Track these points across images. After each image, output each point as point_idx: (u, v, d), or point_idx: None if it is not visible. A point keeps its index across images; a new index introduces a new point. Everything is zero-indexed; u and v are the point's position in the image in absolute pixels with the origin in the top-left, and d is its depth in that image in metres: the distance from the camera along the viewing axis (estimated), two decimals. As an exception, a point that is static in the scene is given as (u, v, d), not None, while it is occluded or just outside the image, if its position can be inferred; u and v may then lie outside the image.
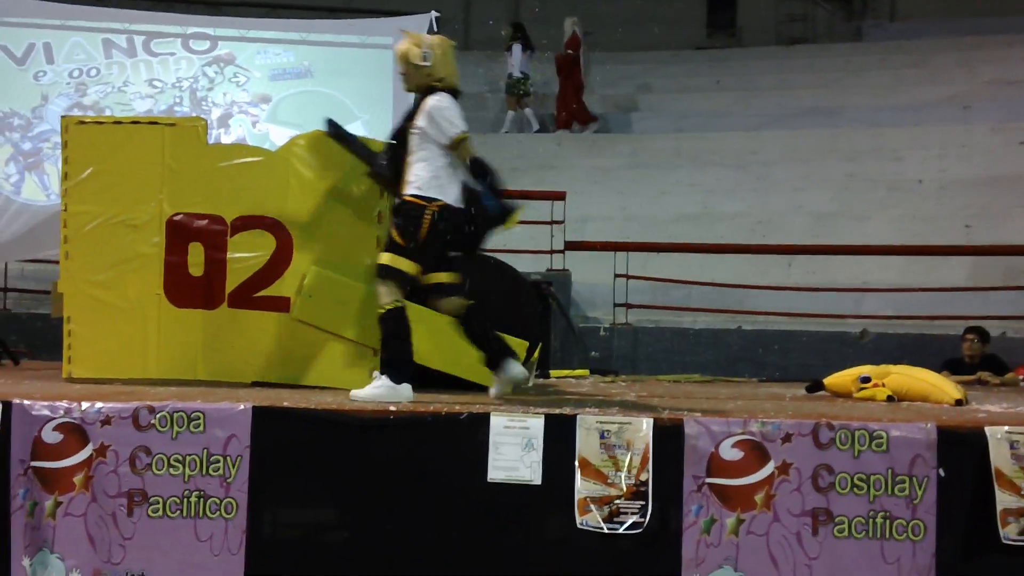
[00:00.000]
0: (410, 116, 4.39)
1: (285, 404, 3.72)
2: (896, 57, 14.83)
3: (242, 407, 3.60)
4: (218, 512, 3.53)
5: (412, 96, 6.60)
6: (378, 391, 4.05)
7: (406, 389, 4.12)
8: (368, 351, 4.66)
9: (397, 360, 4.21)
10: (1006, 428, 3.53)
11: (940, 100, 13.48)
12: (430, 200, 4.24)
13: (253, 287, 4.61)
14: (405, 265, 4.22)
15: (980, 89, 13.62)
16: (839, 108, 13.43)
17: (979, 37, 14.98)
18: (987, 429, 3.53)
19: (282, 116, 6.60)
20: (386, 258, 4.24)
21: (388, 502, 3.58)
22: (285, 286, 4.62)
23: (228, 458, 3.55)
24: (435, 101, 4.30)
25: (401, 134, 4.43)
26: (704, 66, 15.57)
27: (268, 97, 6.52)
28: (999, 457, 3.50)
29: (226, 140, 6.42)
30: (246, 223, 4.71)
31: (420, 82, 4.37)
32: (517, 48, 13.62)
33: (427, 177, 4.28)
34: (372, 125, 6.49)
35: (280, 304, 4.63)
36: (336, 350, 4.61)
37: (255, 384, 4.52)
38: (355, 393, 4.05)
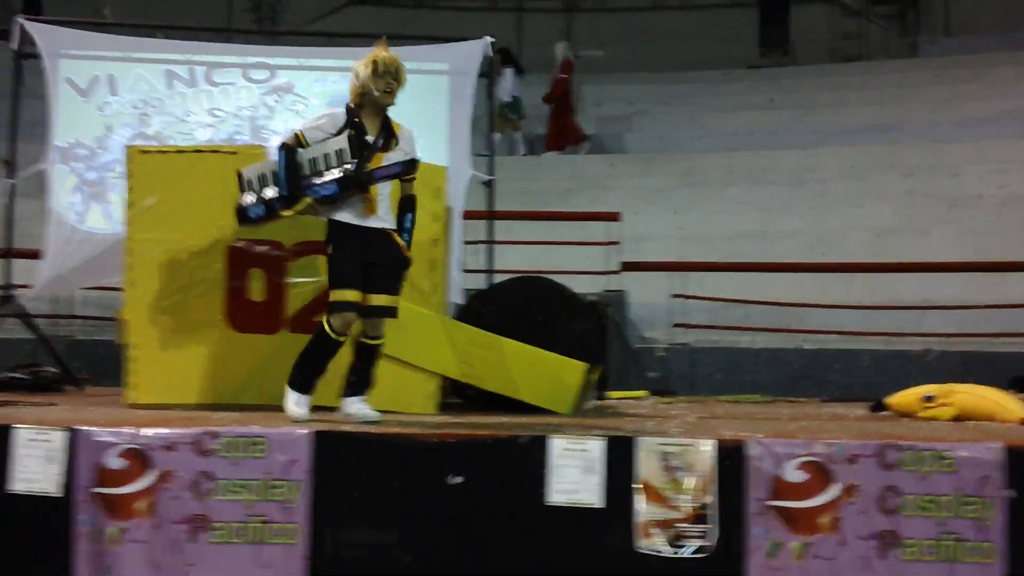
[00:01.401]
0: (383, 140, 4.18)
1: (345, 428, 3.74)
2: (952, 72, 14.62)
3: (304, 431, 3.63)
4: (280, 538, 3.54)
5: (464, 117, 6.63)
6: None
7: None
8: (426, 375, 4.67)
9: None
10: (1079, 448, 3.43)
11: (998, 114, 13.24)
12: None
13: (313, 311, 4.64)
14: None
15: (1039, 102, 13.37)
16: (896, 124, 13.26)
17: (1036, 49, 14.72)
18: (1059, 449, 3.44)
19: (341, 143, 6.67)
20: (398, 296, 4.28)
21: (449, 526, 3.58)
22: (344, 311, 4.64)
23: (290, 483, 3.57)
24: (411, 130, 4.30)
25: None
26: (757, 84, 15.49)
27: (326, 125, 6.59)
28: (1071, 477, 3.41)
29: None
30: (306, 248, 4.76)
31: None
32: (509, 72, 13.73)
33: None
34: (428, 150, 6.49)
35: (339, 329, 4.66)
36: (396, 374, 4.63)
37: (316, 408, 4.55)
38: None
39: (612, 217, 9.25)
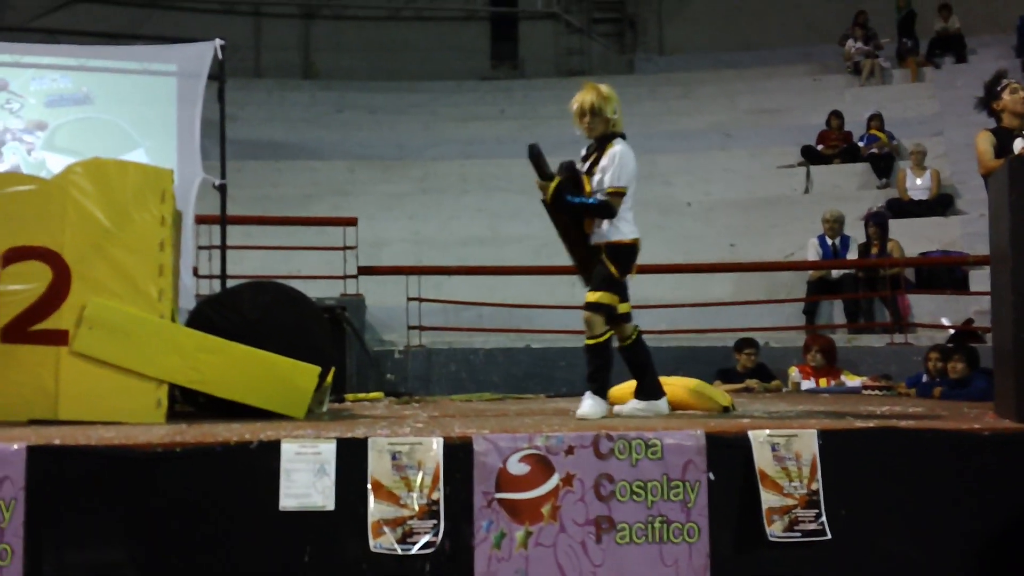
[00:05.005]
0: (595, 160, 4.80)
1: (58, 442, 3.57)
2: (665, 89, 15.72)
3: (16, 447, 3.44)
4: (-8, 560, 3.36)
5: (192, 119, 6.40)
6: (639, 407, 4.84)
7: (663, 403, 4.89)
8: (152, 383, 4.53)
9: (653, 378, 4.90)
10: (767, 432, 3.77)
11: (704, 128, 14.40)
12: (634, 238, 4.78)
13: (28, 320, 4.39)
14: (609, 299, 4.77)
15: (740, 118, 14.67)
16: (616, 136, 14.08)
17: (739, 70, 16.16)
18: (750, 433, 3.77)
19: (60, 143, 6.30)
20: (597, 296, 4.75)
21: (179, 537, 3.51)
22: (64, 318, 4.43)
23: (1, 502, 3.39)
24: (620, 147, 4.78)
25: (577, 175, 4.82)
26: (489, 95, 16.00)
27: (44, 124, 6.21)
28: (762, 459, 3.74)
29: (-1, 169, 6.09)
30: (19, 254, 4.48)
31: (604, 130, 4.81)
32: None
33: (629, 217, 4.78)
34: (154, 152, 6.31)
35: (58, 337, 4.43)
36: (120, 383, 4.45)
37: (32, 422, 4.31)
38: (619, 408, 4.84)
39: (349, 222, 9.30)
